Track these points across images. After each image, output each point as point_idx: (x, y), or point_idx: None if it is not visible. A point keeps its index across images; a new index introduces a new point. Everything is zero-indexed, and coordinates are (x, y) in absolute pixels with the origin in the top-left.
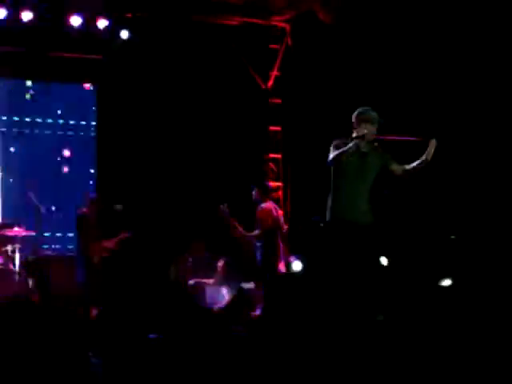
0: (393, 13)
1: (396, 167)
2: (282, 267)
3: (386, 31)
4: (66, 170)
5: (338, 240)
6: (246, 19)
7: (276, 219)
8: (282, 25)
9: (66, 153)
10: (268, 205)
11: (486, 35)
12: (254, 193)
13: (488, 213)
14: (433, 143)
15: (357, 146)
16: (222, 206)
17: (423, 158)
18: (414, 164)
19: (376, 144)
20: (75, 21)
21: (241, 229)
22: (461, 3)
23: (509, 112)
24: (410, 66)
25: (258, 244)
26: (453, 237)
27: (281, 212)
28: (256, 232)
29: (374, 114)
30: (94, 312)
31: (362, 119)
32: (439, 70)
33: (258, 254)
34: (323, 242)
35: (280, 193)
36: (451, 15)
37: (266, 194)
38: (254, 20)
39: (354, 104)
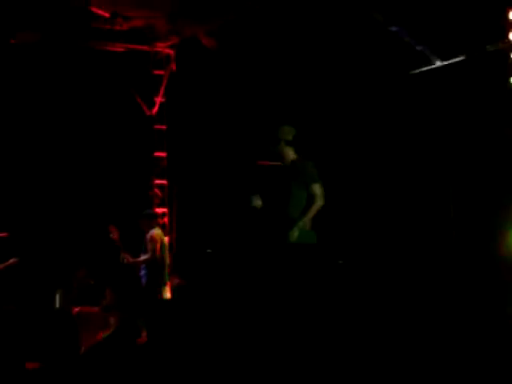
0: (275, 38)
1: None
2: (167, 293)
3: (268, 55)
4: None
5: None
6: (130, 45)
7: (163, 245)
8: (167, 51)
9: None
10: (157, 231)
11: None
12: (141, 220)
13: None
14: None
15: None
16: (111, 226)
17: None
18: None
19: None
20: None
21: (128, 255)
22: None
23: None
24: (292, 87)
25: (143, 270)
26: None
27: (167, 238)
28: (144, 257)
29: None
30: None
31: None
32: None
33: (143, 280)
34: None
35: (166, 219)
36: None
37: (153, 220)
38: (139, 46)
39: (238, 129)
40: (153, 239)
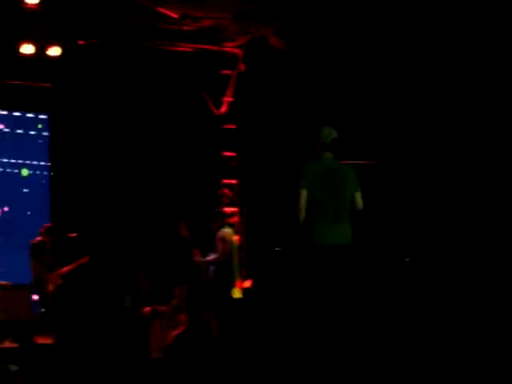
0: (343, 38)
1: None
2: (237, 293)
3: (336, 56)
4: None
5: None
6: (198, 46)
7: (233, 245)
8: (235, 50)
9: None
10: (227, 230)
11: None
12: (211, 219)
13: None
14: None
15: None
16: (181, 222)
17: None
18: None
19: None
20: (27, 49)
21: (198, 254)
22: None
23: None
24: (362, 89)
25: (212, 269)
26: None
27: (237, 237)
28: (214, 256)
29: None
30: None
31: None
32: (390, 95)
33: (211, 279)
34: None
35: (235, 218)
36: (396, 43)
37: (223, 219)
38: (207, 46)
39: (307, 128)
40: (223, 239)
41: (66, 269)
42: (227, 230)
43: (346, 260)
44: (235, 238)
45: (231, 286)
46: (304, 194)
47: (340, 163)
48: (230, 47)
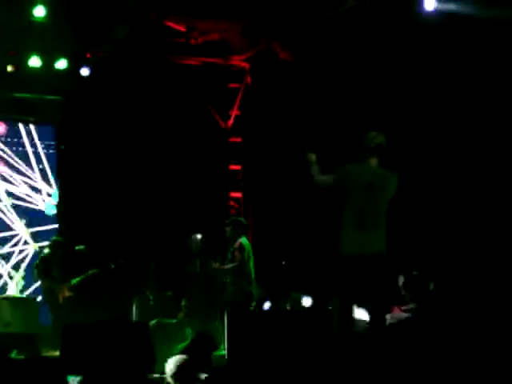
0: (350, 51)
1: None
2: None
3: (343, 69)
4: None
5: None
6: (205, 59)
7: (251, 254)
8: (242, 64)
9: None
10: (244, 240)
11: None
12: (228, 228)
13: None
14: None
15: None
16: None
17: None
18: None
19: None
20: (35, 62)
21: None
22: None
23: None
24: (369, 101)
25: (229, 278)
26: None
27: None
28: (232, 265)
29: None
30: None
31: None
32: (396, 105)
33: (229, 289)
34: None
35: None
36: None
37: (242, 228)
38: (214, 60)
39: (314, 142)
40: (242, 248)
41: (75, 281)
42: (245, 240)
43: (382, 269)
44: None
45: (250, 295)
46: (330, 178)
47: (385, 169)
48: (237, 60)
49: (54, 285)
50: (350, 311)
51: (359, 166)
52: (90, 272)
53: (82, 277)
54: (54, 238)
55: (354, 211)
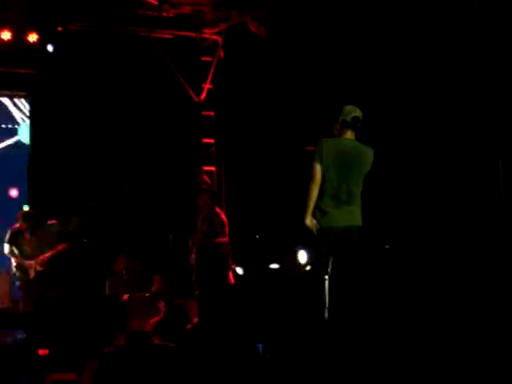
0: (324, 24)
1: None
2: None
3: (316, 42)
4: None
5: None
6: (177, 32)
7: None
8: (214, 37)
9: None
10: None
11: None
12: (202, 197)
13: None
14: None
15: None
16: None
17: None
18: None
19: None
20: (5, 35)
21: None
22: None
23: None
24: (342, 76)
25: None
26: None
27: None
28: (222, 239)
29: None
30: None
31: None
32: (372, 83)
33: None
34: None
35: None
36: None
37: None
38: (186, 33)
39: (286, 115)
40: (225, 222)
41: (46, 255)
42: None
43: (357, 242)
44: None
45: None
46: (319, 169)
47: (361, 143)
48: (209, 34)
49: (24, 259)
50: (323, 281)
51: (336, 140)
52: (61, 246)
53: (54, 252)
54: (24, 210)
55: (331, 184)
